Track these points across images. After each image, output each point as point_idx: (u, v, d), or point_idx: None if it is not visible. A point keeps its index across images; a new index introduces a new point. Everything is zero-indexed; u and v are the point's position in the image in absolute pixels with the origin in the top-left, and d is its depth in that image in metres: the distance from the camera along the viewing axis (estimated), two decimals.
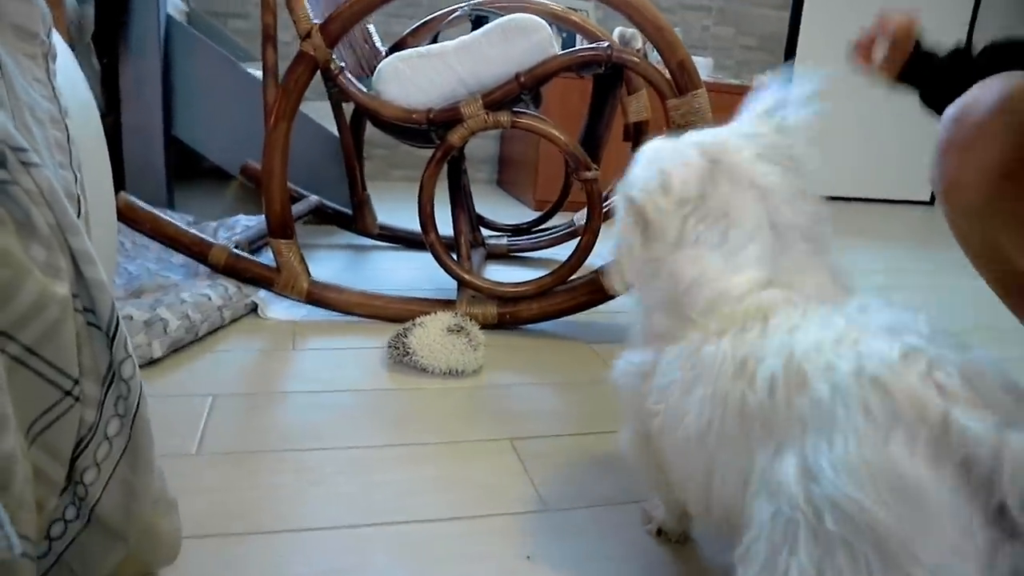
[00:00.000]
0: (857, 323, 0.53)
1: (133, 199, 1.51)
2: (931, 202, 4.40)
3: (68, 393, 0.56)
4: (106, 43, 2.11)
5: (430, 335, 1.24)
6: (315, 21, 1.41)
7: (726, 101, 3.39)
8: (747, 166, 0.67)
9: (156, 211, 1.54)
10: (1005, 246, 0.85)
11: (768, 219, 0.66)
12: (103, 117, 0.95)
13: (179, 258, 1.66)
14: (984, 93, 0.85)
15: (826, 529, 0.46)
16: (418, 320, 1.28)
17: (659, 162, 0.69)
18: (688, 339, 0.64)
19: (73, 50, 0.90)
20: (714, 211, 0.66)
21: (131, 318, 1.20)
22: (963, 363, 0.47)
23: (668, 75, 1.41)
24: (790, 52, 4.00)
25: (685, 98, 1.41)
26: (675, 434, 0.63)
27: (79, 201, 0.65)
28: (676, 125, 1.42)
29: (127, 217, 1.49)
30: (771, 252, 0.65)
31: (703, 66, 3.31)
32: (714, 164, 0.68)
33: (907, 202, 4.35)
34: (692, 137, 0.71)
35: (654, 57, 2.66)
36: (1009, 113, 0.82)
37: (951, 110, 0.88)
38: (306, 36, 1.40)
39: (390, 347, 1.26)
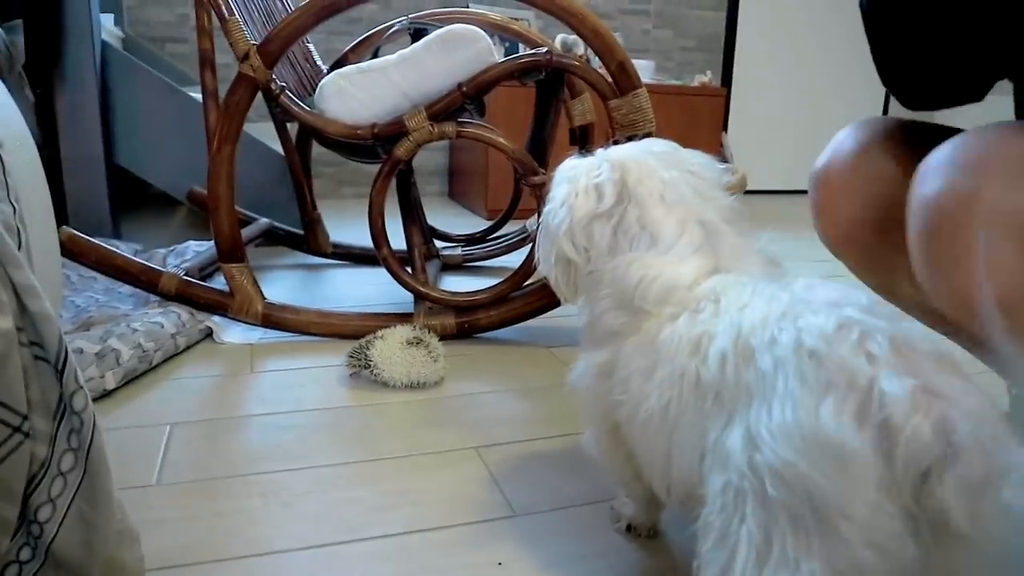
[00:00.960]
0: (801, 299, 0.55)
1: (76, 232, 1.48)
2: None
3: (17, 429, 0.55)
4: (39, 73, 2.06)
5: (390, 348, 1.24)
6: (252, 42, 1.40)
7: (668, 102, 3.46)
8: (657, 170, 0.73)
9: (101, 242, 1.51)
10: (901, 288, 0.87)
11: (692, 216, 0.70)
12: (40, 149, 0.93)
13: (128, 287, 1.63)
14: (842, 147, 0.87)
15: (768, 494, 0.48)
16: (378, 333, 1.28)
17: (573, 182, 0.75)
18: (645, 329, 0.67)
19: (4, 81, 0.88)
20: (634, 220, 0.71)
21: (81, 351, 1.17)
22: (894, 333, 0.49)
23: (608, 77, 1.44)
24: (728, 52, 4.09)
25: (626, 98, 1.43)
26: (639, 417, 0.65)
27: (19, 233, 0.64)
28: (619, 125, 1.44)
29: (71, 251, 1.45)
30: (705, 243, 0.69)
31: (645, 68, 3.36)
32: (625, 173, 0.73)
33: None
34: (601, 154, 0.77)
35: (596, 62, 2.69)
36: (866, 171, 0.84)
37: (817, 164, 0.90)
38: (244, 58, 1.39)
39: (350, 358, 1.25)
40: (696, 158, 0.77)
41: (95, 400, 1.13)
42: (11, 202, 0.64)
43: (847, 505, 0.45)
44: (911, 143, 0.82)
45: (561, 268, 0.75)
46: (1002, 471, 0.42)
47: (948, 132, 0.69)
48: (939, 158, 0.66)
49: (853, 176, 0.85)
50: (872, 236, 0.85)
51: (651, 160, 0.74)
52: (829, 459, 0.46)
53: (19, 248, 0.63)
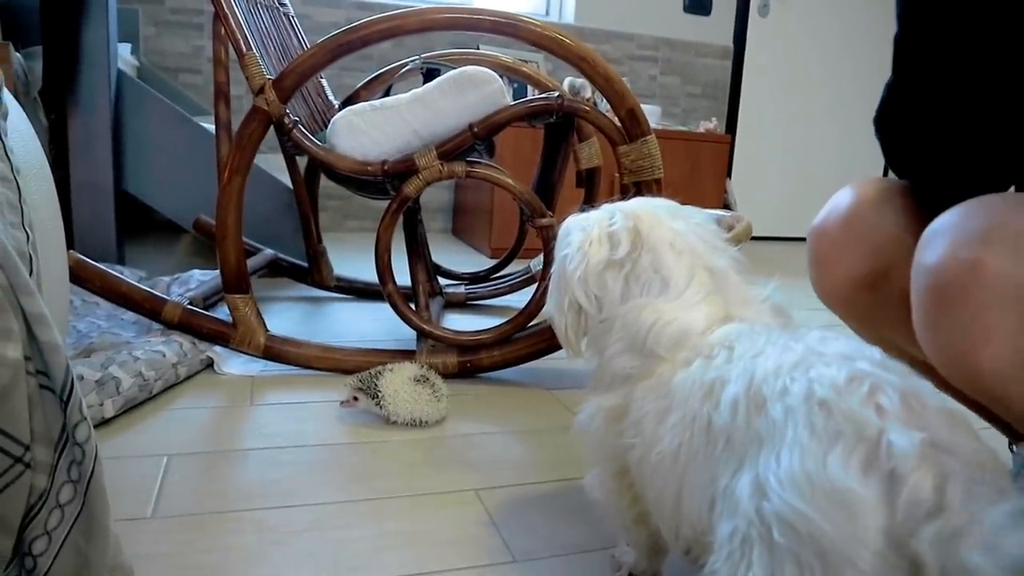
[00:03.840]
0: (815, 350, 0.56)
1: (83, 257, 1.48)
2: None
3: (18, 460, 0.54)
4: (54, 98, 2.08)
5: (398, 382, 1.23)
6: (268, 76, 1.41)
7: (674, 147, 3.49)
8: (666, 220, 0.75)
9: (106, 268, 1.51)
10: (893, 340, 0.89)
11: (701, 263, 0.72)
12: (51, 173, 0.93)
13: (131, 314, 1.62)
14: (839, 204, 0.90)
15: (775, 542, 0.48)
16: (387, 366, 1.27)
17: (586, 231, 0.77)
18: (658, 373, 0.67)
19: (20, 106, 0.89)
20: (647, 266, 0.73)
21: (82, 378, 1.16)
22: (904, 387, 0.50)
23: (618, 122, 1.45)
24: (733, 99, 4.14)
25: (635, 144, 1.44)
26: (650, 460, 0.65)
27: (31, 261, 0.64)
28: (627, 171, 1.45)
29: (78, 276, 1.45)
30: (715, 290, 0.71)
31: (651, 113, 3.40)
32: (638, 222, 0.75)
33: None
34: (609, 206, 0.79)
35: (603, 106, 2.72)
36: (860, 227, 0.86)
37: (816, 220, 0.93)
38: (259, 91, 1.41)
39: (358, 381, 1.23)
40: (697, 214, 0.79)
41: (93, 428, 1.12)
42: (25, 229, 0.65)
43: (853, 553, 0.45)
44: (909, 205, 0.84)
45: (572, 316, 0.76)
46: (974, 528, 0.42)
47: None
48: (945, 224, 0.67)
49: (849, 233, 0.87)
50: (865, 293, 0.87)
51: (660, 211, 0.77)
52: (836, 507, 0.46)
53: (30, 275, 0.63)
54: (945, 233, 0.66)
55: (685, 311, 0.69)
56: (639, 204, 0.78)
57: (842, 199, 0.90)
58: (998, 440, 0.90)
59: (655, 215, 0.76)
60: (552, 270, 0.80)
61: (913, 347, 0.87)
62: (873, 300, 0.87)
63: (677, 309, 0.69)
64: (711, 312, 0.69)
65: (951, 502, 0.44)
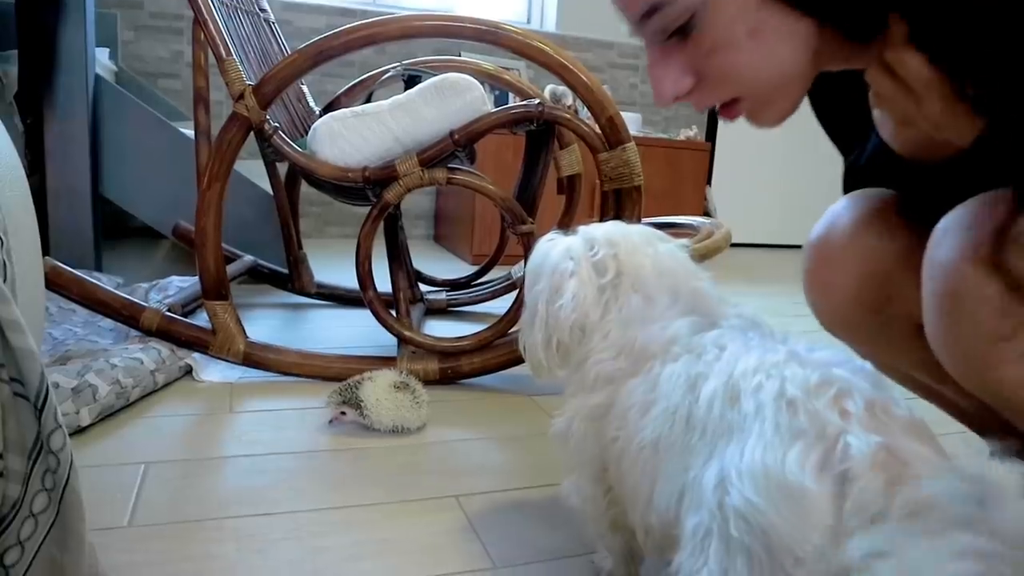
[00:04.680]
0: (797, 354, 0.57)
1: (59, 264, 1.46)
2: None
3: None
4: (30, 103, 2.06)
5: (379, 391, 1.22)
6: (248, 82, 1.41)
7: (654, 154, 3.52)
8: (642, 247, 0.77)
9: (84, 275, 1.50)
10: (891, 361, 0.88)
11: (681, 284, 0.74)
12: (27, 178, 0.92)
13: (108, 321, 1.61)
14: (838, 222, 0.87)
15: (731, 535, 0.49)
16: (366, 375, 1.26)
17: (573, 274, 0.76)
18: (646, 369, 0.68)
19: None
20: (628, 288, 0.75)
21: (58, 385, 1.15)
22: (872, 396, 0.51)
23: (598, 130, 1.46)
24: (713, 107, 4.17)
25: (615, 152, 1.45)
26: (631, 451, 0.66)
27: (5, 267, 0.63)
28: (608, 178, 1.46)
29: (54, 283, 1.44)
30: (697, 308, 0.72)
31: (632, 121, 3.42)
32: (616, 248, 0.76)
33: None
34: (583, 233, 0.80)
35: (584, 113, 2.73)
36: (860, 247, 0.84)
37: (812, 236, 0.90)
38: (239, 97, 1.40)
39: (338, 395, 1.23)
40: (664, 239, 0.80)
41: (69, 436, 1.11)
42: (0, 235, 0.64)
43: (796, 546, 0.46)
44: (908, 217, 0.81)
45: (553, 351, 0.77)
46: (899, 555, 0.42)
47: (945, 204, 0.70)
48: (955, 220, 0.66)
49: (850, 252, 0.85)
50: (864, 313, 0.85)
51: (636, 237, 0.78)
52: (788, 502, 0.47)
53: (5, 281, 0.63)
54: (956, 229, 0.65)
55: (674, 319, 0.70)
56: (615, 231, 0.79)
57: (841, 215, 0.87)
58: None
59: (631, 240, 0.78)
60: (528, 301, 0.81)
61: (919, 371, 0.87)
62: (872, 320, 0.85)
63: (666, 318, 0.71)
64: (699, 320, 0.70)
65: (896, 511, 0.44)
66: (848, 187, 0.90)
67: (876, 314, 0.84)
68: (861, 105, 0.74)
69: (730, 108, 0.66)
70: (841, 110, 0.84)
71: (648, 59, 0.65)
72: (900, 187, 0.84)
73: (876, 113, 0.74)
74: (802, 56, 0.60)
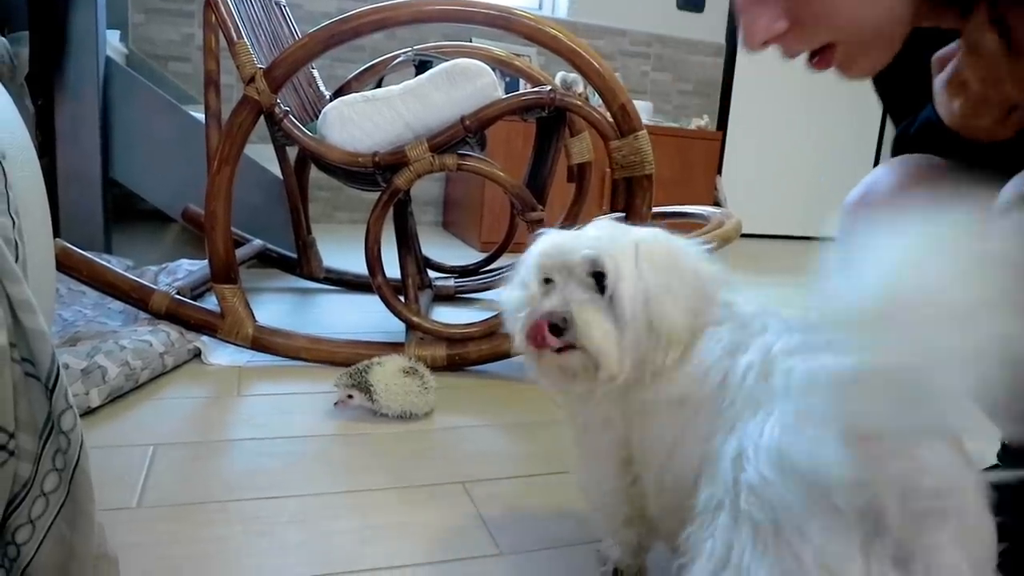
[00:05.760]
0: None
1: (69, 245, 1.47)
2: None
3: (3, 448, 0.54)
4: (41, 85, 2.06)
5: (388, 376, 1.23)
6: (259, 66, 1.40)
7: (665, 143, 3.50)
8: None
9: (93, 257, 1.50)
10: None
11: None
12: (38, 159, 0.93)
13: (118, 303, 1.61)
14: (879, 184, 0.86)
15: (739, 508, 0.49)
16: (375, 360, 1.26)
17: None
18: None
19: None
20: None
21: (67, 366, 1.16)
22: None
23: (609, 118, 1.45)
24: (725, 97, 4.15)
25: (627, 140, 1.44)
26: (659, 405, 0.65)
27: (17, 247, 0.63)
28: (619, 166, 1.45)
29: (63, 264, 1.44)
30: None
31: (643, 110, 3.41)
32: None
33: None
34: (608, 230, 0.73)
35: (595, 100, 2.72)
36: (903, 202, 0.84)
37: (849, 199, 0.90)
38: (250, 80, 1.40)
39: (348, 378, 1.23)
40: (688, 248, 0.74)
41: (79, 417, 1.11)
42: (11, 215, 0.64)
43: (809, 525, 0.46)
44: (943, 184, 0.81)
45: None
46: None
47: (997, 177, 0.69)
48: (1013, 190, 0.65)
49: (892, 209, 0.84)
50: None
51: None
52: (800, 478, 0.47)
53: (16, 261, 0.63)
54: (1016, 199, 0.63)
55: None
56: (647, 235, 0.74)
57: (881, 178, 0.86)
58: None
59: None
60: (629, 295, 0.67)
61: None
62: None
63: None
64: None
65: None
66: (896, 154, 0.89)
67: None
68: (920, 76, 0.73)
69: (823, 56, 0.64)
70: (901, 79, 0.83)
71: (738, 1, 0.63)
72: (950, 156, 0.83)
73: (937, 83, 0.73)
74: (905, 5, 0.59)
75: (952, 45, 0.69)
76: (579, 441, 0.77)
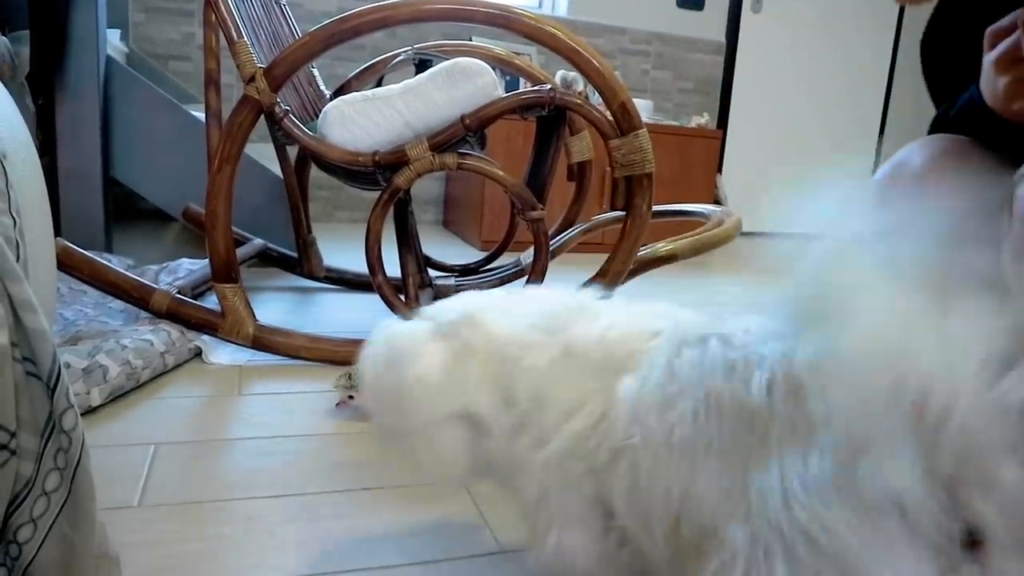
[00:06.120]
0: None
1: (70, 245, 1.47)
2: None
3: (4, 447, 0.54)
4: (42, 84, 2.06)
5: None
6: (259, 65, 1.41)
7: (665, 141, 3.50)
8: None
9: (94, 256, 1.50)
10: None
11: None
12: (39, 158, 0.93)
13: (118, 303, 1.61)
14: (911, 160, 0.86)
15: (797, 556, 0.45)
16: None
17: None
18: (639, 365, 0.60)
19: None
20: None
21: (68, 366, 1.16)
22: None
23: (609, 116, 1.45)
24: (725, 95, 4.14)
25: (627, 138, 1.44)
26: (654, 449, 0.56)
27: (18, 247, 0.63)
28: (619, 164, 1.45)
29: (65, 263, 1.44)
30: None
31: (643, 108, 3.41)
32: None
33: None
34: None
35: (595, 99, 2.72)
36: (934, 179, 0.85)
37: (879, 175, 0.90)
38: (250, 80, 1.40)
39: (346, 379, 1.23)
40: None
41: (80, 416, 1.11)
42: (12, 215, 0.64)
43: (880, 571, 0.43)
44: (979, 161, 0.80)
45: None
46: None
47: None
48: None
49: (924, 182, 0.83)
50: None
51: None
52: (865, 519, 0.44)
53: (17, 261, 0.63)
54: None
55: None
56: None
57: (912, 156, 0.85)
58: None
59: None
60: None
61: None
62: None
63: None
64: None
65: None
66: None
67: None
68: (969, 60, 0.73)
69: None
70: (949, 59, 0.83)
71: None
72: (987, 140, 0.83)
73: (987, 60, 0.72)
74: None
75: (1009, 18, 0.68)
76: (535, 510, 0.65)
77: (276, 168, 2.01)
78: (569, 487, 0.62)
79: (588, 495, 0.62)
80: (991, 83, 0.71)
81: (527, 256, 1.89)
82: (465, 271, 2.19)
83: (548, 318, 0.68)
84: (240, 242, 2.01)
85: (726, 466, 0.52)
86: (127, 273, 1.51)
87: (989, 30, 0.69)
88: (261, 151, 2.28)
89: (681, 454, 0.55)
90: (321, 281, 2.13)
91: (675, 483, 0.55)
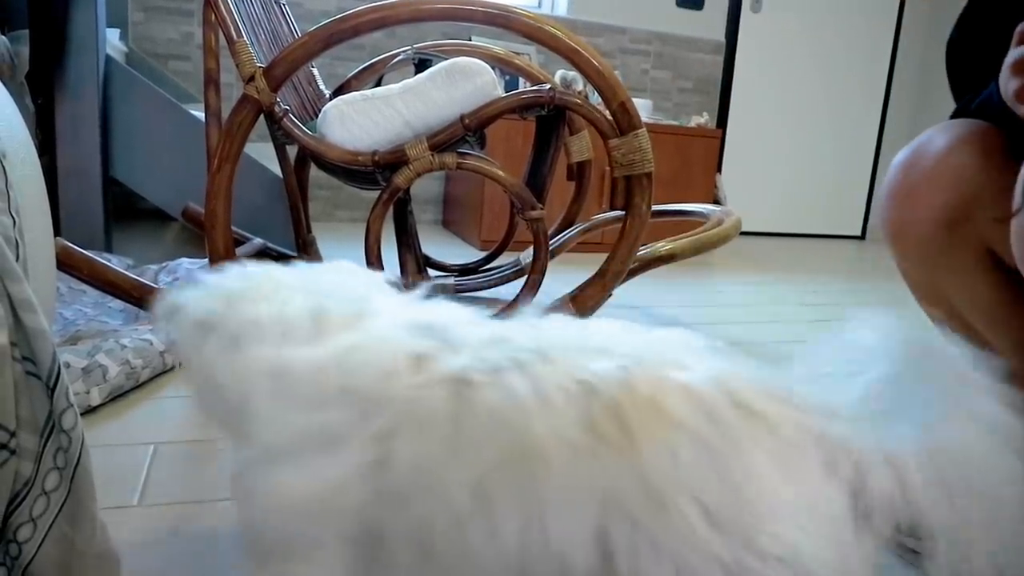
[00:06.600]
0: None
1: (69, 244, 1.47)
2: (863, 236, 4.57)
3: (4, 446, 0.54)
4: (41, 83, 2.06)
5: None
6: (259, 64, 1.41)
7: (664, 141, 3.50)
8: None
9: (94, 255, 1.50)
10: (946, 291, 0.88)
11: None
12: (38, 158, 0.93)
13: (118, 302, 1.61)
14: (933, 141, 0.87)
15: None
16: None
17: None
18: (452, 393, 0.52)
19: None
20: None
21: (68, 365, 1.16)
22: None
23: (609, 116, 1.45)
24: (724, 95, 4.15)
25: (626, 138, 1.44)
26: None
27: (17, 246, 0.63)
28: (619, 164, 1.45)
29: (64, 263, 1.44)
30: None
31: (643, 108, 3.41)
32: None
33: (839, 237, 4.51)
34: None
35: (595, 99, 2.72)
36: (955, 163, 0.85)
37: (900, 156, 0.91)
38: (250, 79, 1.40)
39: None
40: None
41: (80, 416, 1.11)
42: (11, 214, 0.64)
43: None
44: (1001, 147, 0.82)
45: None
46: None
47: None
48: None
49: (942, 167, 0.85)
50: (943, 232, 0.86)
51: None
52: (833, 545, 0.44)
53: (17, 260, 0.63)
54: None
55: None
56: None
57: (933, 139, 0.88)
58: None
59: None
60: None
61: (973, 312, 0.88)
62: (949, 242, 0.85)
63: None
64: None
65: None
66: None
67: (951, 232, 0.85)
68: (993, 56, 0.74)
69: None
70: (975, 54, 0.84)
71: None
72: (1005, 133, 0.84)
73: (1008, 58, 0.73)
74: None
75: None
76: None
77: (276, 168, 2.01)
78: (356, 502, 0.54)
79: (364, 512, 0.54)
80: (1006, 83, 0.72)
81: (527, 256, 1.89)
82: (464, 271, 2.19)
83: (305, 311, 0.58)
84: (240, 241, 2.01)
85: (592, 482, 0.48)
86: (126, 273, 1.51)
87: (1020, 28, 0.69)
88: (261, 151, 2.28)
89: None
90: None
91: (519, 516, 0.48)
